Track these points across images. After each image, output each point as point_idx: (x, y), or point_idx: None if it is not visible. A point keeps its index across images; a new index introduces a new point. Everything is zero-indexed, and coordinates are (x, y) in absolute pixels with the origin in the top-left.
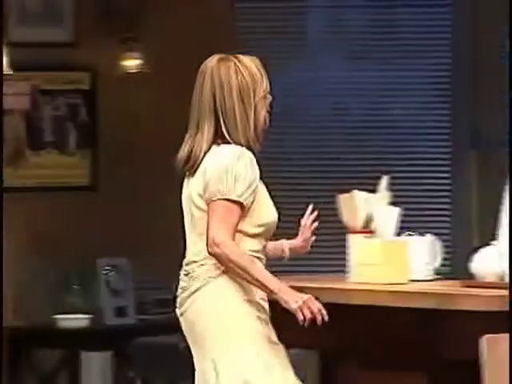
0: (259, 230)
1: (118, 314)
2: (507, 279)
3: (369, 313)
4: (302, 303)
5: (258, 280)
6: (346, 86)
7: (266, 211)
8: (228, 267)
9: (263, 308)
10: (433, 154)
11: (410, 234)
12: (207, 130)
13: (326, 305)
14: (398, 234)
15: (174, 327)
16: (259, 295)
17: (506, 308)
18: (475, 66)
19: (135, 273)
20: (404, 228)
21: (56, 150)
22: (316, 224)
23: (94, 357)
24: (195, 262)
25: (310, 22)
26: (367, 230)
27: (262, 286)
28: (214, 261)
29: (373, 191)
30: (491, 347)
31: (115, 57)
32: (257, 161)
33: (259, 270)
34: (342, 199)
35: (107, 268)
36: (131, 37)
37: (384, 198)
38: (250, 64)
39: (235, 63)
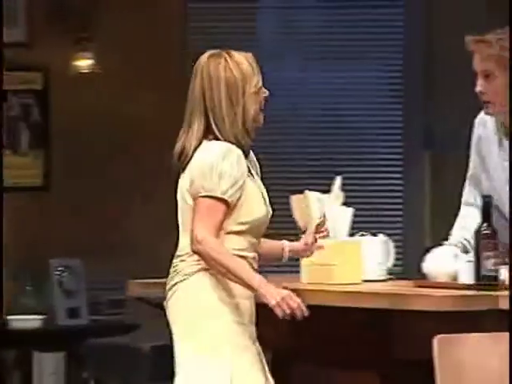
0: (242, 227)
1: (70, 315)
2: (461, 279)
3: (322, 313)
4: (280, 299)
5: (239, 277)
6: (298, 87)
7: (250, 208)
8: (210, 264)
9: (243, 308)
10: (385, 155)
11: (362, 235)
12: (197, 126)
13: None
14: (351, 235)
15: (127, 328)
16: (240, 295)
17: (458, 308)
18: (428, 66)
19: (88, 273)
20: (357, 228)
21: (9, 150)
22: (324, 233)
23: (47, 357)
24: (179, 256)
25: (263, 23)
26: (320, 230)
27: (243, 283)
28: (194, 257)
29: (326, 191)
30: (444, 347)
31: (68, 57)
32: (257, 157)
33: (240, 267)
34: (295, 199)
35: (60, 269)
36: (84, 37)
37: (337, 198)
38: (240, 60)
39: (225, 59)
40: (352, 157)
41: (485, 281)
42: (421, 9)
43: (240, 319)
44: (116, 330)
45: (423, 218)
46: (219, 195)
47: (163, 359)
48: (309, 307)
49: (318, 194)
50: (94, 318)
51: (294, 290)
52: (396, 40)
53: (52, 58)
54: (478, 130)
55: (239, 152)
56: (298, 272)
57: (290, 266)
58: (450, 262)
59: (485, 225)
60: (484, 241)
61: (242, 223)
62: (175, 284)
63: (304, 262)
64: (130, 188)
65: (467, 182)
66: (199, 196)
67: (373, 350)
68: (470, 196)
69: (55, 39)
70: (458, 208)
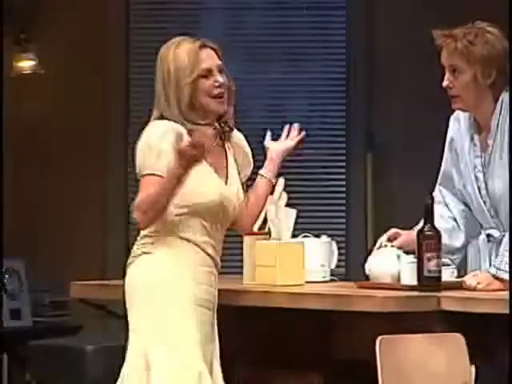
0: (183, 210)
1: (13, 317)
2: (404, 280)
3: (265, 314)
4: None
5: (168, 186)
6: (242, 88)
7: (194, 193)
8: (153, 213)
9: (184, 290)
10: (329, 156)
11: (306, 236)
12: (154, 111)
13: (222, 306)
14: (295, 236)
15: (70, 329)
16: (182, 277)
17: (401, 309)
18: (370, 68)
19: (31, 275)
20: (300, 229)
21: None
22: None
23: None
24: (136, 239)
25: (206, 24)
26: (263, 231)
27: (173, 180)
28: (140, 241)
29: (270, 193)
30: (386, 348)
31: (9, 58)
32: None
33: (162, 182)
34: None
35: (2, 270)
36: (25, 38)
37: (280, 199)
38: (183, 50)
39: (172, 49)
40: (295, 158)
41: (427, 282)
42: (363, 10)
43: (182, 300)
44: (59, 331)
45: (366, 219)
46: (150, 171)
47: (106, 360)
48: (252, 309)
49: None
50: (36, 320)
51: (237, 292)
52: (339, 42)
53: None
54: (452, 127)
55: (168, 127)
56: (241, 273)
57: (233, 267)
58: (392, 263)
59: (427, 226)
60: (426, 242)
61: (182, 206)
62: (128, 264)
63: (247, 263)
64: (74, 190)
65: (438, 181)
66: (139, 177)
67: (316, 350)
68: (438, 194)
69: None
70: (400, 209)
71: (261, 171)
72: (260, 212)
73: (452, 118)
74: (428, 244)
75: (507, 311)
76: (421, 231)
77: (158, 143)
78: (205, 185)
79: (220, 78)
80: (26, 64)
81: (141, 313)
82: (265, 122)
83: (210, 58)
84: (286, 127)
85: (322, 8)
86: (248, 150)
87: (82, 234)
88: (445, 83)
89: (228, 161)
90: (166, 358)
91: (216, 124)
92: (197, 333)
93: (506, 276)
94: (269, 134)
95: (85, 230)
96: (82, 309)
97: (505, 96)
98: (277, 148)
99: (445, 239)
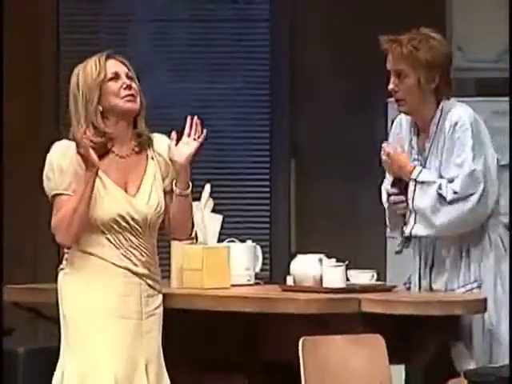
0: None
1: None
2: (326, 284)
3: (192, 317)
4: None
5: (83, 194)
6: (168, 98)
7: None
8: (71, 232)
9: (100, 303)
10: (253, 163)
11: (231, 241)
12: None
13: None
14: (221, 241)
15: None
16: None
17: (324, 311)
18: (293, 78)
19: None
20: (226, 235)
21: None
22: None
23: None
24: None
25: (134, 36)
26: (189, 236)
27: (87, 188)
28: (64, 257)
29: (196, 199)
30: (309, 349)
31: None
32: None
33: (76, 198)
34: None
35: None
36: None
37: (207, 205)
38: (90, 62)
39: (81, 66)
40: (221, 165)
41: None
42: (286, 23)
43: (90, 312)
44: None
45: (289, 224)
46: (60, 191)
47: (37, 362)
48: (179, 311)
49: None
50: None
51: (164, 295)
52: (263, 53)
53: None
54: (394, 130)
55: (67, 144)
56: (168, 277)
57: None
58: (315, 266)
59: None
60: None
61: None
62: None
63: (174, 267)
64: (8, 196)
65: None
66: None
67: (241, 352)
68: (384, 195)
69: None
70: (322, 214)
71: (174, 188)
72: (186, 221)
73: (395, 122)
74: None
75: (425, 313)
76: None
77: (58, 162)
78: (101, 200)
79: (127, 81)
80: None
81: (62, 321)
82: None
83: (116, 66)
84: (189, 119)
85: (246, 20)
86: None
87: (20, 239)
88: (390, 87)
89: (146, 171)
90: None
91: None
92: (107, 345)
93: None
94: (174, 135)
95: (16, 233)
96: (15, 312)
97: (444, 104)
98: (182, 160)
99: None
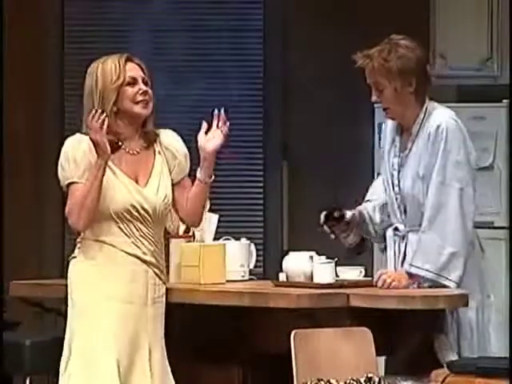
0: (95, 216)
1: None
2: (316, 279)
3: (190, 310)
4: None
5: (94, 179)
6: (167, 104)
7: (102, 198)
8: (83, 216)
9: (112, 289)
10: (247, 166)
11: (227, 239)
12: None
13: None
14: (217, 239)
15: (9, 325)
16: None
17: (314, 305)
18: (285, 85)
19: None
20: (222, 233)
21: None
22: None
23: None
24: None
25: (133, 44)
26: (187, 234)
27: (98, 174)
28: (77, 246)
29: None
30: (300, 341)
31: None
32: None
33: (87, 185)
34: None
35: None
36: None
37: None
38: (110, 62)
39: (100, 62)
40: (217, 167)
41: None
42: (278, 31)
43: (97, 297)
44: None
45: (282, 222)
46: (75, 180)
47: (42, 354)
48: (178, 305)
49: None
50: None
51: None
52: (256, 61)
53: None
54: (383, 135)
55: (80, 137)
56: (167, 273)
57: None
58: (305, 263)
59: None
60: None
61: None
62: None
63: (173, 263)
64: (9, 190)
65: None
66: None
67: (235, 343)
68: (369, 194)
69: None
70: (313, 213)
71: (198, 175)
72: (199, 208)
73: (383, 126)
74: None
75: (409, 307)
76: None
77: (72, 153)
78: (114, 190)
79: (144, 87)
80: None
81: (70, 310)
82: (187, 134)
83: (135, 69)
84: (216, 113)
85: (240, 30)
86: (176, 151)
87: (19, 233)
88: (373, 99)
89: (154, 165)
90: (80, 354)
91: (139, 133)
92: (111, 328)
93: (416, 271)
94: (204, 124)
95: (21, 229)
96: (20, 306)
97: (428, 105)
98: (211, 148)
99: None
